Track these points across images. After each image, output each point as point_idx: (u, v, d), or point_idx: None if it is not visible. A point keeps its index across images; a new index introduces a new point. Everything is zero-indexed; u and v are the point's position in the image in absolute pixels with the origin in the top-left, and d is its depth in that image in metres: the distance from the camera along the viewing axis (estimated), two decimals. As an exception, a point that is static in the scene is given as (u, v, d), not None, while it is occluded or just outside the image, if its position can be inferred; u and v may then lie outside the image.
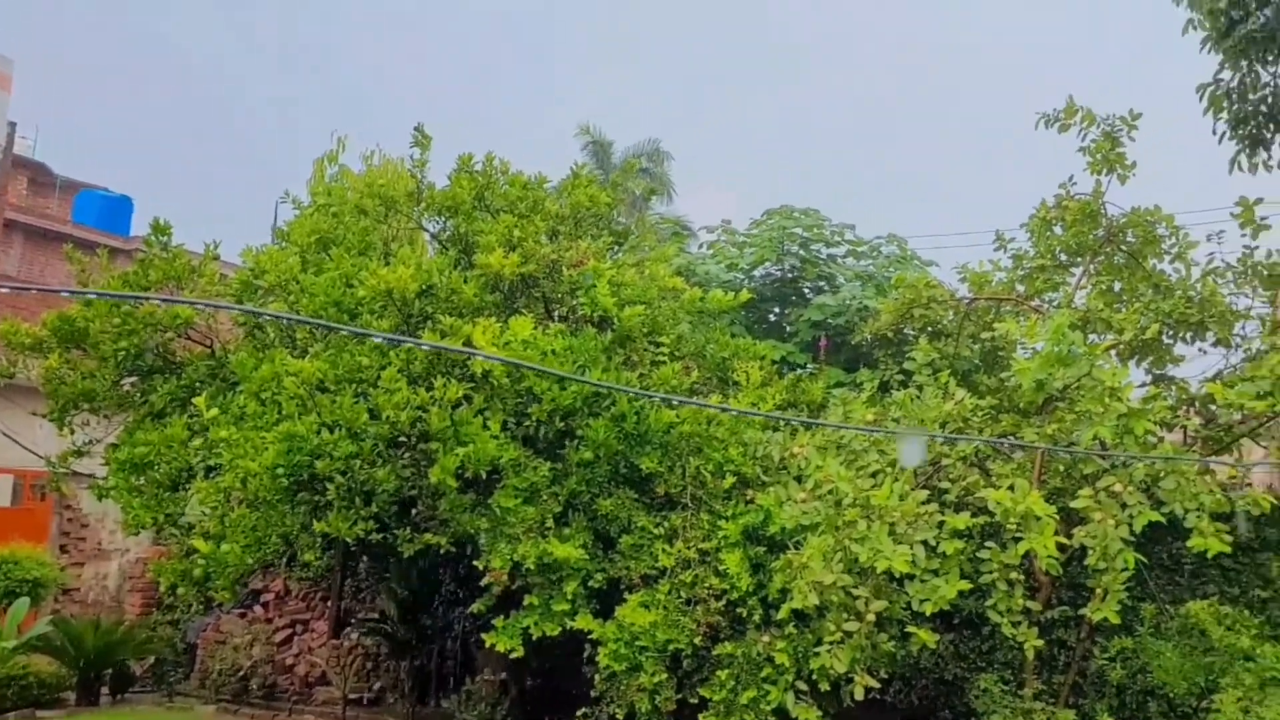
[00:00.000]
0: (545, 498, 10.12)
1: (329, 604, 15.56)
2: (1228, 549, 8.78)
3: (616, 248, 13.28)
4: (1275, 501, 10.08)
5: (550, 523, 10.09)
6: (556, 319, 11.64)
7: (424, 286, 10.60)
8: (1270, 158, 9.92)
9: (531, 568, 9.79)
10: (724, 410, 10.45)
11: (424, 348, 9.74)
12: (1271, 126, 9.00)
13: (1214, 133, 9.67)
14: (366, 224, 11.99)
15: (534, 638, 10.07)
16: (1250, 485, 10.77)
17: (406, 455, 10.21)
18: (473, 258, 11.40)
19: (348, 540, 10.22)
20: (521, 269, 10.84)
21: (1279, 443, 11.09)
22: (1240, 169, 10.07)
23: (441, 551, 10.64)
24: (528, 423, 10.33)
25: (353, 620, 15.29)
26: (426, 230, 12.75)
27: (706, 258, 17.21)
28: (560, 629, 9.99)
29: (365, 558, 14.70)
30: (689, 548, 10.03)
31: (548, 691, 13.03)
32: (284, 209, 29.08)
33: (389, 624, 14.15)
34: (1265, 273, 11.58)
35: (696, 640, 9.70)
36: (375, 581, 14.97)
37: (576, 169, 12.90)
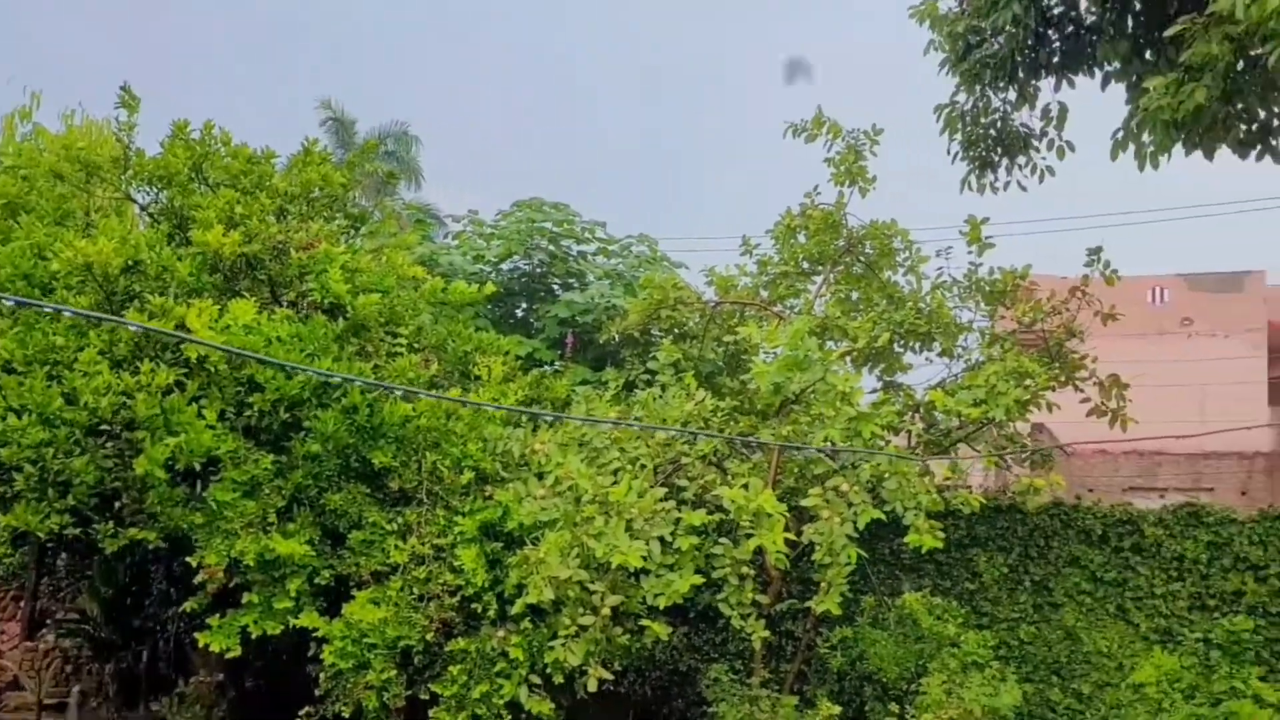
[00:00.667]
0: (268, 491, 9.66)
1: (21, 604, 14.58)
2: (941, 545, 9.61)
3: (353, 232, 12.81)
4: (985, 501, 11.16)
5: (273, 518, 9.67)
6: (284, 304, 11.10)
7: (130, 262, 9.80)
8: (997, 180, 10.81)
9: (251, 564, 9.38)
10: (465, 404, 10.32)
11: (131, 328, 9.01)
12: (999, 150, 9.80)
13: (949, 153, 10.43)
14: (64, 190, 11.01)
15: (254, 637, 9.66)
16: (966, 487, 11.83)
17: (109, 444, 9.50)
18: (189, 234, 10.68)
19: (40, 535, 9.45)
20: (244, 249, 10.25)
21: (990, 447, 12.20)
22: (970, 189, 10.91)
23: (151, 548, 10.05)
24: (249, 413, 9.82)
25: (49, 621, 14.36)
26: (135, 201, 11.80)
27: (452, 248, 16.94)
28: (283, 627, 9.63)
29: (64, 554, 13.82)
30: (423, 544, 9.87)
31: (269, 692, 12.44)
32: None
33: (91, 624, 13.40)
34: (987, 288, 12.68)
35: (429, 636, 9.61)
36: (76, 579, 14.10)
37: (308, 144, 12.18)
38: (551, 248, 16.36)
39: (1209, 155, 7.90)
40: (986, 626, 11.34)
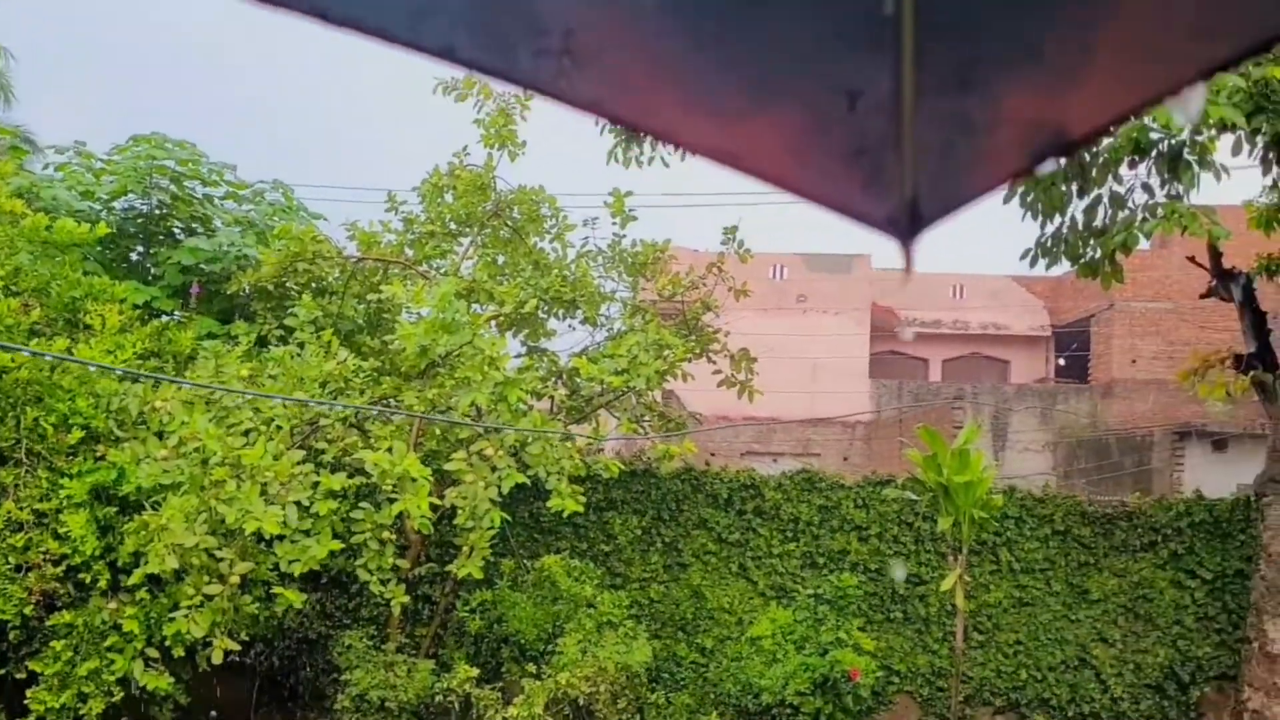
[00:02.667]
0: None
1: None
2: (581, 509, 10.38)
3: (-65, 153, 11.74)
4: (623, 467, 12.13)
5: None
6: None
7: None
8: (642, 154, 11.62)
9: None
10: (71, 361, 9.83)
11: None
12: None
13: (596, 123, 11.04)
14: None
15: None
16: (603, 452, 12.78)
17: None
18: None
19: None
20: None
21: (630, 414, 13.22)
22: (616, 161, 11.68)
23: None
24: None
25: None
26: None
27: (55, 181, 15.67)
28: None
29: None
30: (21, 508, 9.38)
31: None
32: None
33: None
34: (630, 260, 13.72)
35: (27, 610, 9.18)
36: None
37: None
38: (174, 188, 15.57)
39: None
40: (621, 587, 12.20)
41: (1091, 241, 11.06)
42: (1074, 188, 10.81)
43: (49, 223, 11.42)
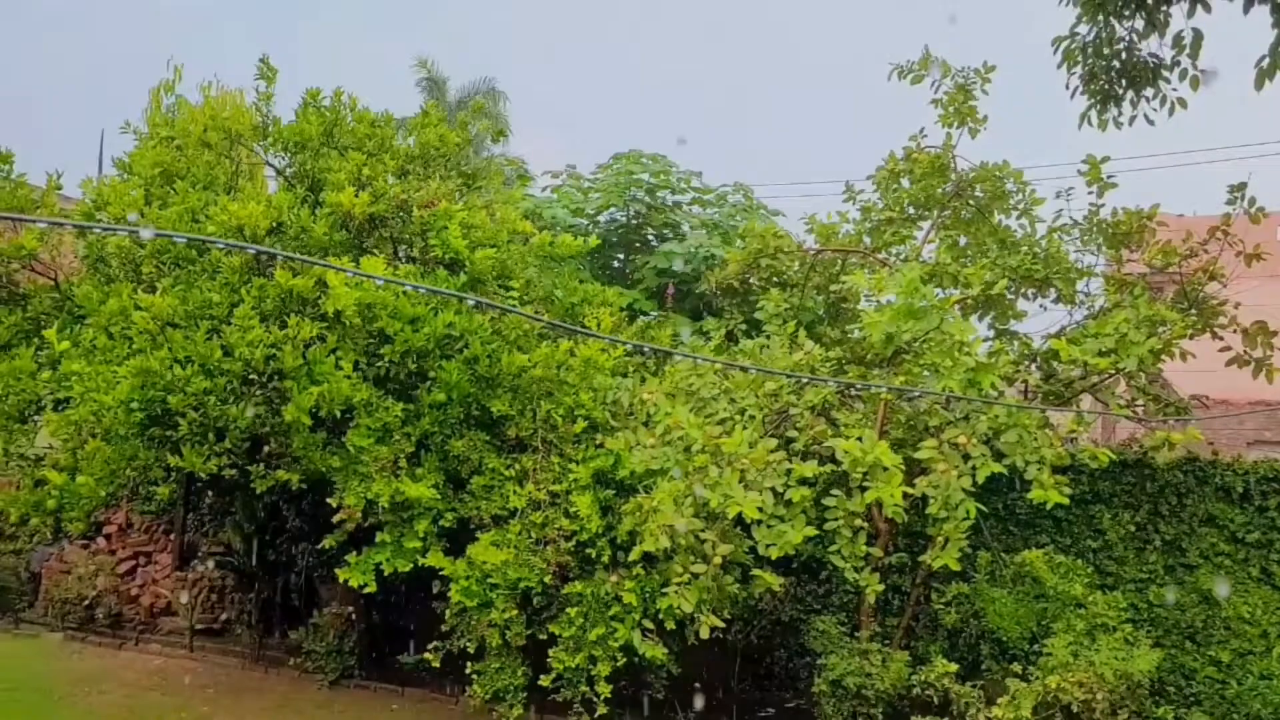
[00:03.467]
0: (398, 438, 10.77)
1: (172, 537, 16.29)
2: (1066, 501, 9.76)
3: (465, 189, 13.73)
4: (1113, 456, 11.30)
5: (403, 462, 10.79)
6: (405, 260, 12.06)
7: (274, 223, 10.96)
8: (1120, 114, 10.65)
9: (385, 506, 10.48)
10: (614, 341, 10.99)
11: (314, 276, 10.09)
12: (1124, 83, 9.64)
13: (1067, 88, 10.37)
14: (210, 157, 12.32)
15: (386, 574, 10.81)
16: (1082, 440, 11.98)
17: (259, 393, 10.70)
18: (320, 195, 11.87)
19: (200, 475, 10.81)
20: (371, 208, 11.33)
21: (1118, 399, 12.30)
22: (1090, 124, 10.80)
23: (294, 488, 11.24)
24: (380, 363, 10.92)
25: (199, 553, 16.04)
26: (272, 165, 13.04)
27: (553, 202, 17.69)
28: (411, 565, 10.74)
29: (210, 492, 15.33)
30: (540, 489, 10.76)
31: (391, 626, 13.93)
32: (110, 140, 28.13)
33: (235, 557, 14.97)
34: (1110, 231, 12.55)
35: (546, 579, 10.52)
36: (219, 516, 15.68)
37: (426, 108, 13.49)
38: (648, 199, 16.94)
39: None
40: (1113, 587, 11.41)
41: None
42: None
43: (551, 239, 12.89)
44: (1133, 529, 11.84)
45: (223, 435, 10.60)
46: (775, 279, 13.64)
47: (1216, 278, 12.01)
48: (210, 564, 15.56)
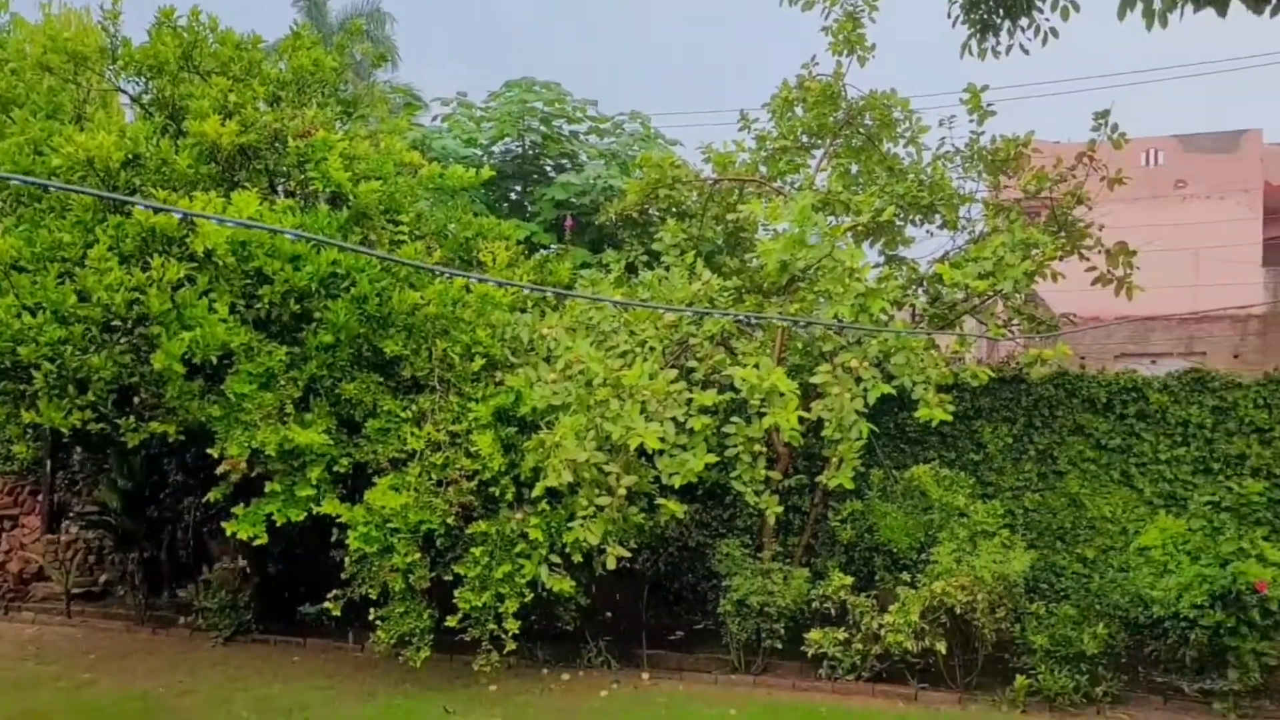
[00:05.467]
0: (283, 383, 10.17)
1: (39, 498, 15.28)
2: (950, 418, 10.09)
3: (345, 118, 13.05)
4: (992, 373, 11.65)
5: (290, 408, 10.20)
6: (283, 194, 11.41)
7: (129, 155, 10.09)
8: (999, 44, 10.76)
9: (272, 454, 9.93)
10: (483, 281, 10.63)
11: (176, 215, 9.29)
12: (1001, 12, 9.77)
13: (949, 16, 10.42)
14: (53, 83, 11.20)
15: (278, 524, 10.31)
16: (966, 359, 12.28)
17: (124, 340, 9.93)
18: (183, 125, 10.96)
19: (61, 431, 10.04)
20: (241, 138, 10.54)
21: (997, 319, 12.63)
22: (971, 54, 10.88)
23: (172, 440, 10.62)
24: (259, 305, 10.24)
25: (70, 514, 15.09)
26: (124, 92, 12.00)
27: (443, 132, 17.08)
28: (305, 514, 10.26)
29: (79, 449, 14.44)
30: (439, 430, 10.39)
31: (289, 577, 13.39)
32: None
33: (112, 516, 14.00)
34: (989, 158, 12.92)
35: (449, 520, 10.20)
36: (92, 473, 14.71)
37: (297, 28, 12.48)
38: (544, 129, 16.52)
39: (1221, 10, 7.86)
40: (992, 496, 11.79)
41: None
42: None
43: (441, 171, 12.36)
44: (1010, 441, 12.24)
45: (85, 387, 9.84)
46: (674, 209, 13.52)
47: (1083, 201, 12.50)
48: (76, 527, 14.68)
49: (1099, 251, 12.33)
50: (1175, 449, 11.80)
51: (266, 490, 10.27)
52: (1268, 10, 7.77)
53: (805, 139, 13.44)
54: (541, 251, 14.24)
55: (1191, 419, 11.75)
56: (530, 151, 16.53)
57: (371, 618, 10.57)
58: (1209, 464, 11.68)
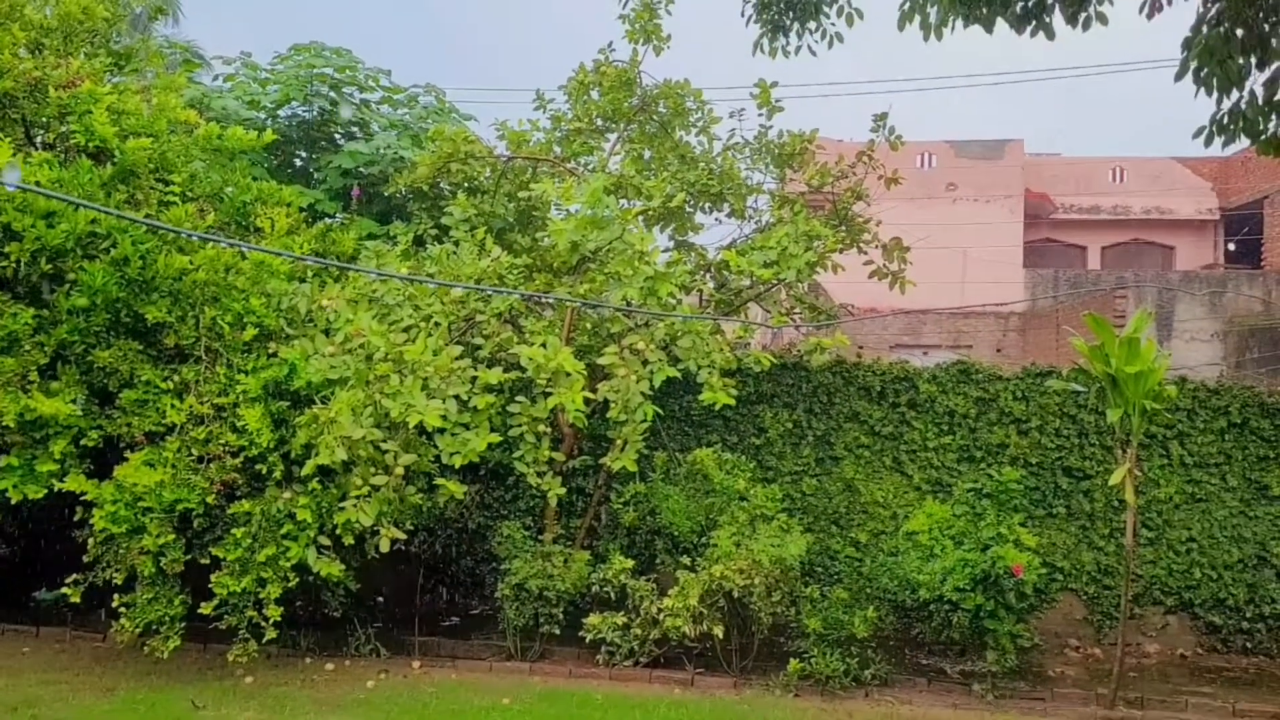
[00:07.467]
0: (28, 348, 9.22)
1: None
2: (733, 402, 10.16)
3: (116, 70, 12.06)
4: (774, 360, 11.81)
5: (34, 376, 9.26)
6: (40, 146, 10.39)
7: None
8: (789, 44, 11.07)
9: (11, 425, 9.00)
10: (268, 252, 9.95)
11: None
12: (791, 14, 10.04)
13: (743, 15, 10.63)
14: None
15: (14, 502, 9.37)
16: (751, 345, 12.44)
17: None
18: (-74, 67, 9.79)
19: None
20: (-6, 85, 9.50)
21: (780, 307, 12.86)
22: (762, 52, 11.17)
23: None
24: (4, 264, 9.26)
25: None
26: None
27: (224, 92, 16.02)
28: (46, 491, 9.33)
29: None
30: (203, 403, 9.63)
31: (25, 559, 12.27)
32: None
33: None
34: (776, 151, 13.21)
35: (209, 499, 9.45)
36: None
37: None
38: (333, 95, 15.73)
39: (988, 28, 8.47)
40: (772, 480, 11.91)
41: (1274, 117, 9.95)
42: (1253, 60, 9.70)
43: (220, 132, 11.55)
44: (790, 426, 12.42)
45: None
46: (466, 184, 13.17)
47: (862, 198, 12.92)
48: None
49: (876, 246, 12.79)
50: (942, 437, 12.24)
51: (2, 464, 9.27)
52: (1028, 30, 8.44)
53: (600, 122, 13.39)
54: (326, 220, 13.50)
55: (957, 409, 12.21)
56: (318, 118, 15.70)
57: (115, 604, 9.66)
58: (972, 452, 12.18)
